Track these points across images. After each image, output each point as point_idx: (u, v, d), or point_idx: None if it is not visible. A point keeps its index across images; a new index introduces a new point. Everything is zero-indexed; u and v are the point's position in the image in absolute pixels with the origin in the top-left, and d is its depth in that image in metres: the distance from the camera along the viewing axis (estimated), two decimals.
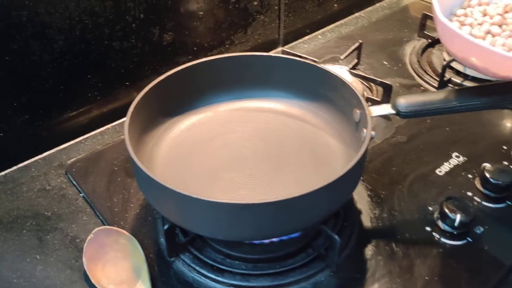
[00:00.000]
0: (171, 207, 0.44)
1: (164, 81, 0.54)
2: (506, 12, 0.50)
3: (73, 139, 0.65)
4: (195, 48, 0.72)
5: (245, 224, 0.42)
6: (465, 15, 0.51)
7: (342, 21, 0.91)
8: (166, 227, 0.46)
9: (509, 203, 0.54)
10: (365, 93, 0.70)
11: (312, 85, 0.57)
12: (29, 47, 0.56)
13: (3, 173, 0.60)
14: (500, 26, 0.49)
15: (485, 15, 0.50)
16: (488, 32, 0.48)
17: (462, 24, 0.50)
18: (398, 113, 0.47)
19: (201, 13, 0.70)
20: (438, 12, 0.47)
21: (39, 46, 0.56)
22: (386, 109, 0.48)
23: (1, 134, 0.59)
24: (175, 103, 0.58)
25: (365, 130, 0.47)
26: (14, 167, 0.61)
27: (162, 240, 0.50)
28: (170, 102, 0.57)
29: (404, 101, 0.47)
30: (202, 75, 0.58)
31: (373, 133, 0.47)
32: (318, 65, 0.56)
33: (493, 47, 0.45)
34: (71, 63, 0.60)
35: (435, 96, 0.47)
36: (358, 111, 0.51)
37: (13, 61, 0.55)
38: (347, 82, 0.52)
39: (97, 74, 0.64)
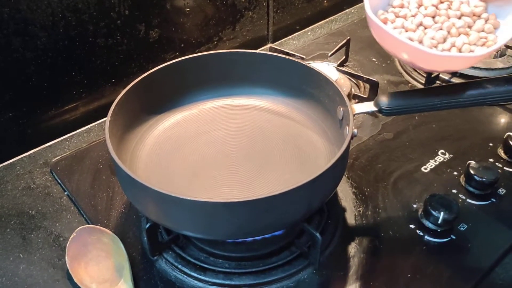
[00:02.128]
0: (151, 206, 0.44)
1: (147, 78, 0.54)
2: (441, 2, 0.49)
3: (59, 137, 0.65)
4: (182, 45, 0.72)
5: (225, 222, 0.42)
6: (401, 6, 0.50)
7: (332, 18, 0.91)
8: (147, 226, 0.46)
9: (494, 200, 0.54)
10: (352, 90, 0.69)
11: (297, 82, 0.57)
12: (11, 44, 0.55)
13: None
14: (433, 17, 0.48)
15: (420, 5, 0.49)
16: (420, 25, 0.47)
17: (397, 15, 0.49)
18: (380, 111, 0.47)
19: (188, 9, 0.69)
20: (367, 5, 0.47)
21: (22, 43, 0.56)
22: (368, 106, 0.48)
23: None
24: (159, 100, 0.57)
25: (347, 128, 0.47)
26: None
27: (146, 239, 0.49)
28: (154, 99, 0.56)
29: (386, 98, 0.47)
30: (186, 72, 0.58)
31: (355, 130, 0.46)
32: (303, 63, 0.56)
33: (410, 42, 0.45)
34: (55, 60, 0.60)
35: (417, 93, 0.47)
36: (341, 109, 0.51)
37: None
38: (330, 80, 0.52)
39: (82, 71, 0.63)
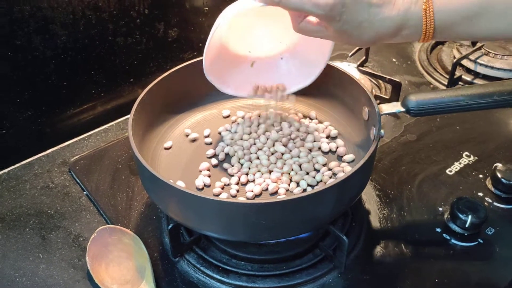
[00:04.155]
0: (175, 206, 0.43)
1: (168, 77, 0.53)
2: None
3: (77, 136, 0.64)
4: (200, 45, 0.71)
5: (251, 224, 0.41)
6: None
7: None
8: (170, 226, 0.45)
9: None
10: (373, 90, 0.68)
11: (320, 82, 0.56)
12: (31, 42, 0.55)
13: (6, 170, 0.60)
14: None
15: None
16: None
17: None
18: (408, 111, 0.46)
19: (207, 8, 0.69)
20: None
21: (42, 41, 0.56)
22: (396, 107, 0.47)
23: (4, 131, 0.58)
24: (180, 99, 0.57)
25: (374, 129, 0.46)
26: (17, 164, 0.60)
27: (167, 239, 0.49)
28: (175, 98, 0.56)
29: (415, 98, 0.45)
30: None
31: (382, 131, 0.45)
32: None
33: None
34: (74, 59, 0.59)
35: (445, 93, 0.46)
36: (367, 109, 0.50)
37: (15, 57, 0.55)
38: (356, 80, 0.51)
39: (101, 70, 0.63)
